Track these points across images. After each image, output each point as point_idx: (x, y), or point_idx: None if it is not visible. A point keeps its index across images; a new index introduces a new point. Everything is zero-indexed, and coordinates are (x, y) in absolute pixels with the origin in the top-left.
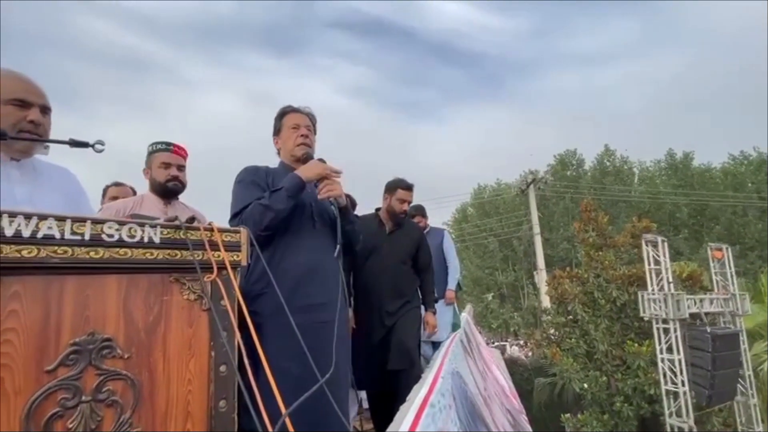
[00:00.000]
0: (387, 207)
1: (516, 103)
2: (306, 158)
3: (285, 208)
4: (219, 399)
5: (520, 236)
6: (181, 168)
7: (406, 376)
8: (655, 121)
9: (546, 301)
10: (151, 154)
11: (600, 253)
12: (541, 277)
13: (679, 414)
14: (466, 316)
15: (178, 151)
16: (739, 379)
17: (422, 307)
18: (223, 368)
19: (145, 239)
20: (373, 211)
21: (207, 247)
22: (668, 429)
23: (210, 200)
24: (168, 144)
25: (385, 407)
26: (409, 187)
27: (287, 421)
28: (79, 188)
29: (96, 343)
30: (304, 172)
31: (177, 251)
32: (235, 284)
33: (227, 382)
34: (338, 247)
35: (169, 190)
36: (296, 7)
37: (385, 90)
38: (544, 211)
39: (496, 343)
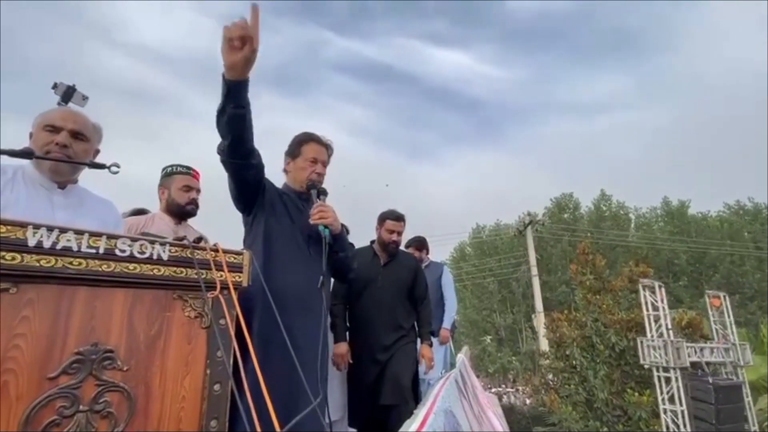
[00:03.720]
0: (377, 238)
1: (514, 148)
2: (309, 188)
3: (226, 106)
4: (210, 418)
5: (518, 277)
6: (198, 192)
7: (399, 412)
8: (650, 169)
9: (544, 345)
10: (170, 175)
11: (598, 296)
12: (540, 320)
13: None
14: (462, 357)
15: (196, 176)
16: None
17: (418, 341)
18: (217, 387)
19: (154, 256)
20: (368, 243)
21: (212, 266)
22: None
23: (209, 228)
24: (189, 168)
25: None
26: (398, 218)
27: None
28: (117, 220)
29: (98, 354)
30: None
31: (183, 269)
32: (237, 304)
33: (220, 401)
34: (320, 278)
35: (186, 212)
36: (303, 49)
37: (386, 130)
38: (542, 253)
39: (494, 390)
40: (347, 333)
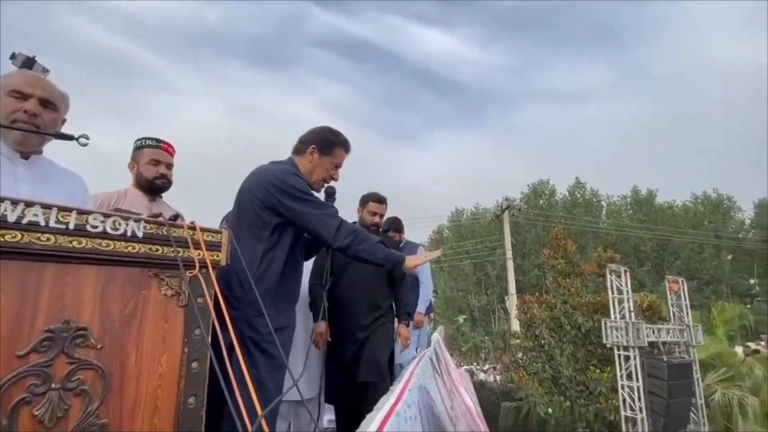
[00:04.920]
0: (359, 220)
1: (494, 132)
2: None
3: (375, 260)
4: (188, 395)
5: (493, 260)
6: (169, 166)
7: (375, 389)
8: (623, 159)
9: (516, 326)
10: (139, 148)
11: (567, 280)
12: (512, 302)
13: None
14: (437, 336)
15: (168, 149)
16: (692, 408)
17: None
18: (195, 365)
19: (128, 233)
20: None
21: (190, 244)
22: None
23: (185, 203)
24: (158, 141)
25: (352, 422)
26: (380, 200)
27: (263, 422)
28: (86, 196)
29: (70, 332)
30: (410, 261)
31: (158, 247)
32: (215, 283)
33: (198, 379)
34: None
35: (156, 187)
36: (284, 22)
37: (367, 110)
38: (517, 237)
39: (466, 367)
40: (326, 313)
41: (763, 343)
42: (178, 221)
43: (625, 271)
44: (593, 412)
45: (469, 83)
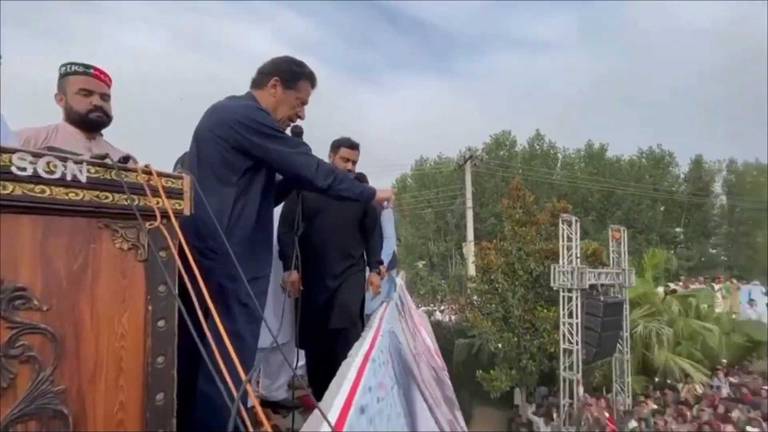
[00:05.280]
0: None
1: (460, 79)
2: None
3: (354, 196)
4: (157, 355)
5: (453, 209)
6: (104, 97)
7: (347, 335)
8: (583, 111)
9: (472, 271)
10: (65, 76)
11: (524, 228)
12: (469, 249)
13: (570, 368)
14: (399, 281)
15: (100, 76)
16: (619, 340)
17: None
18: (161, 323)
19: (68, 177)
20: None
21: (147, 191)
22: (561, 381)
23: (119, 143)
24: (87, 66)
25: (324, 368)
26: (353, 146)
27: (248, 387)
28: (7, 132)
29: (6, 293)
30: (381, 194)
31: (108, 194)
32: (180, 234)
33: (166, 337)
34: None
35: (91, 123)
36: None
37: (329, 47)
38: (477, 187)
39: (424, 308)
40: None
41: (681, 283)
42: (130, 164)
43: (576, 221)
44: (537, 346)
45: (435, 25)
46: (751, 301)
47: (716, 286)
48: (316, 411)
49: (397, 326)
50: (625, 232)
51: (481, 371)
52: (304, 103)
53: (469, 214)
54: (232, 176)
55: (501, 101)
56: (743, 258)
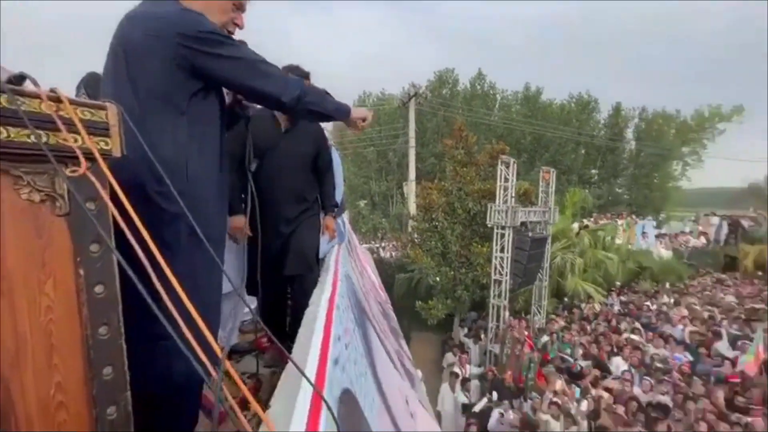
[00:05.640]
0: None
1: (408, 9)
2: None
3: (326, 112)
4: (98, 325)
5: (395, 149)
6: None
7: (303, 282)
8: (528, 54)
9: (413, 209)
10: None
11: (464, 169)
12: (411, 188)
13: (499, 296)
14: (345, 220)
15: None
16: (540, 270)
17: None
18: (99, 288)
19: None
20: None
21: (59, 125)
22: (490, 307)
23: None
24: None
25: (277, 314)
26: (304, 76)
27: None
28: None
29: None
30: (356, 113)
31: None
32: (111, 179)
33: (108, 304)
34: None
35: None
36: None
37: None
38: (419, 125)
39: (365, 245)
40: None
41: (592, 219)
42: (26, 86)
43: (513, 162)
44: (471, 278)
45: None
46: (644, 234)
47: (619, 221)
48: (290, 368)
49: (350, 268)
50: (554, 173)
51: (420, 302)
52: (240, 8)
53: (412, 154)
54: (181, 101)
55: (448, 38)
56: (641, 197)
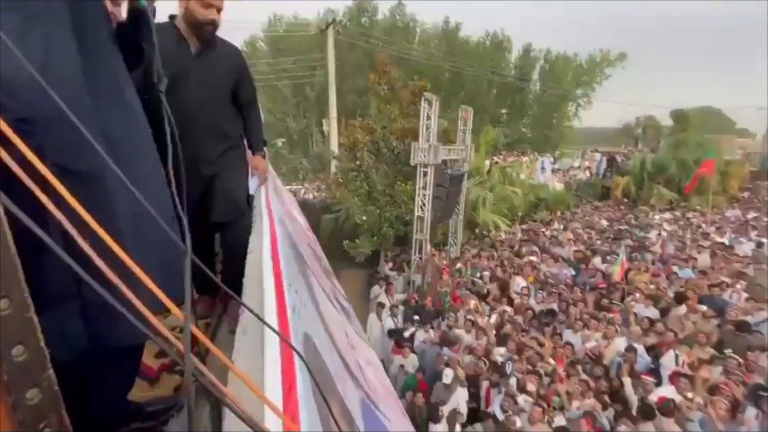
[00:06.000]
0: (185, 15)
1: None
2: None
3: None
4: None
5: (313, 83)
6: None
7: (234, 228)
8: None
9: (335, 148)
10: None
11: (388, 106)
12: (333, 126)
13: (421, 231)
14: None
15: None
16: (457, 205)
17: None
18: None
19: None
20: (167, 20)
21: None
22: (413, 242)
23: None
24: None
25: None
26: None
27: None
28: None
29: None
30: None
31: None
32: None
33: (6, 275)
34: None
35: None
36: None
37: None
38: (337, 58)
39: (288, 187)
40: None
41: (502, 157)
42: None
43: (436, 100)
44: (395, 216)
45: None
46: (543, 169)
47: (524, 158)
48: (246, 320)
49: (281, 212)
50: (472, 112)
51: (347, 241)
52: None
53: (332, 89)
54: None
55: None
56: (542, 136)
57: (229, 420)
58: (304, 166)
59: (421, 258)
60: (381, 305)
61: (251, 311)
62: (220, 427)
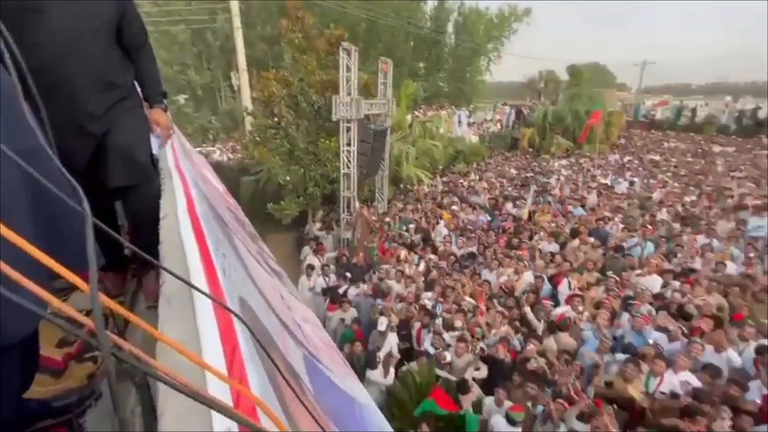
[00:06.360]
0: None
1: None
2: None
3: None
4: None
5: (215, 28)
6: None
7: (140, 193)
8: None
9: (248, 103)
10: None
11: (305, 56)
12: (243, 79)
13: (348, 188)
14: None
15: None
16: (382, 161)
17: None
18: None
19: None
20: None
21: None
22: (341, 200)
23: None
24: None
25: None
26: None
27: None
28: None
29: None
30: None
31: None
32: None
33: None
34: None
35: None
36: None
37: None
38: (241, 1)
39: (197, 149)
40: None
41: (422, 111)
42: None
43: (355, 50)
44: (320, 174)
45: None
46: (459, 123)
47: (442, 112)
48: (171, 289)
49: (193, 172)
50: (391, 65)
51: (271, 204)
52: None
53: (239, 36)
54: None
55: None
56: (457, 90)
57: (164, 396)
58: (214, 125)
59: (351, 215)
60: (311, 267)
61: (177, 276)
62: (152, 407)
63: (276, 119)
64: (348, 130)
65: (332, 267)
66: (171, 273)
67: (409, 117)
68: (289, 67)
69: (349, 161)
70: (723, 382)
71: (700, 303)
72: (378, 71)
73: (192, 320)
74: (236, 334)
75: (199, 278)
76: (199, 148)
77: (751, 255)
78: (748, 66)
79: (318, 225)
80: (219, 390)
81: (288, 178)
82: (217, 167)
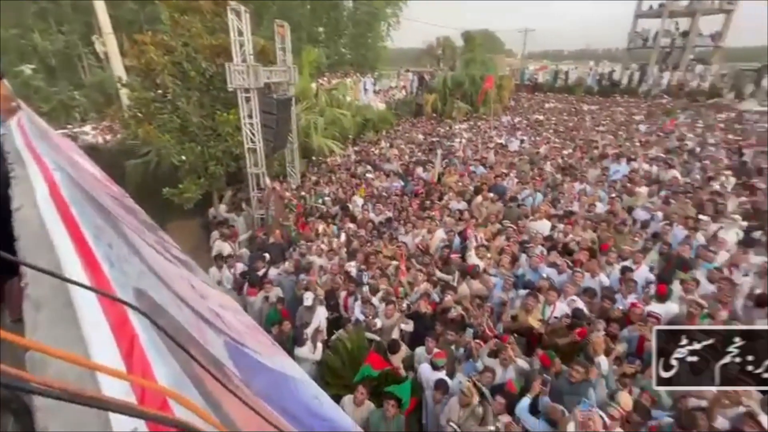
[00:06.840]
0: None
1: None
2: None
3: None
4: None
5: None
6: None
7: None
8: None
9: (121, 73)
10: None
11: (185, 17)
12: (110, 44)
13: (255, 164)
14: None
15: None
16: (290, 132)
17: None
18: None
19: None
20: None
21: None
22: (249, 177)
23: None
24: None
25: None
26: None
27: None
28: None
29: None
30: None
31: None
32: None
33: None
34: None
35: None
36: None
37: None
38: None
39: (60, 131)
40: None
41: (326, 79)
42: None
43: (245, 11)
44: (222, 150)
45: None
46: (365, 90)
47: (347, 80)
48: (34, 292)
49: (56, 156)
50: (288, 28)
51: (167, 188)
52: None
53: None
54: None
55: None
56: (360, 56)
57: (44, 413)
58: (80, 101)
59: (262, 192)
60: (220, 256)
61: (46, 271)
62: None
63: (160, 91)
64: (248, 100)
65: (245, 251)
66: (38, 269)
67: (313, 85)
68: (168, 30)
69: (253, 135)
70: (598, 300)
71: (579, 239)
72: (274, 36)
73: (73, 320)
74: (133, 327)
75: (75, 271)
76: (62, 130)
77: (613, 195)
78: (609, 33)
79: (224, 207)
80: (117, 389)
81: (183, 157)
82: (92, 151)
